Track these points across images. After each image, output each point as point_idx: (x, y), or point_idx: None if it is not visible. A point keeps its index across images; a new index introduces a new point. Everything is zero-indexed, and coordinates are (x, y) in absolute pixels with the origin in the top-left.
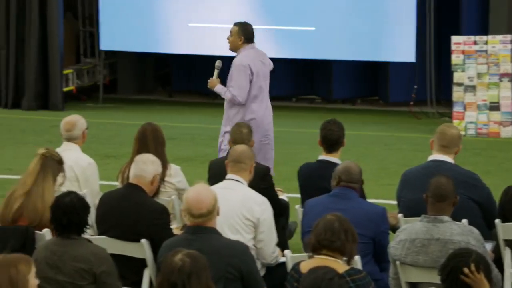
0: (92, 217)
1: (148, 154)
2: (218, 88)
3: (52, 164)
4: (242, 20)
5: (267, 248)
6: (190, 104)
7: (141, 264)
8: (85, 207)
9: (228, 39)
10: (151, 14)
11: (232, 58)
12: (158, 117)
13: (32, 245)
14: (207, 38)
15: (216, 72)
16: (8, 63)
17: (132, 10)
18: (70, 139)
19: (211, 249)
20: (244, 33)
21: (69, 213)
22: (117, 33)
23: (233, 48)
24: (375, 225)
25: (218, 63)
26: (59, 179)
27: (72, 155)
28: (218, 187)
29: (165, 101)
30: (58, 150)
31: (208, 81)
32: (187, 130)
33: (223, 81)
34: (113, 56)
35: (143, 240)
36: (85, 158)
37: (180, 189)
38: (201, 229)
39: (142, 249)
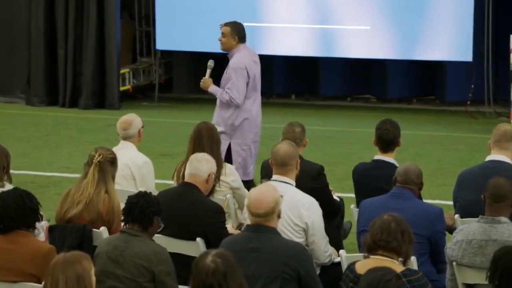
0: None
1: (203, 153)
2: (213, 88)
3: (108, 167)
4: (232, 20)
5: (319, 248)
6: None
7: None
8: (157, 201)
9: (220, 40)
10: (207, 13)
11: (222, 55)
12: (212, 117)
13: (89, 243)
14: (261, 37)
15: (208, 71)
16: (66, 63)
17: (188, 10)
18: (126, 138)
19: (269, 248)
20: (237, 33)
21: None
22: (173, 32)
23: (226, 49)
24: (431, 225)
25: (210, 63)
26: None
27: (128, 154)
28: None
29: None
30: (115, 149)
31: (201, 80)
32: None
33: (216, 81)
34: (169, 55)
35: (198, 239)
36: (141, 157)
37: (235, 188)
38: (261, 228)
39: (197, 247)
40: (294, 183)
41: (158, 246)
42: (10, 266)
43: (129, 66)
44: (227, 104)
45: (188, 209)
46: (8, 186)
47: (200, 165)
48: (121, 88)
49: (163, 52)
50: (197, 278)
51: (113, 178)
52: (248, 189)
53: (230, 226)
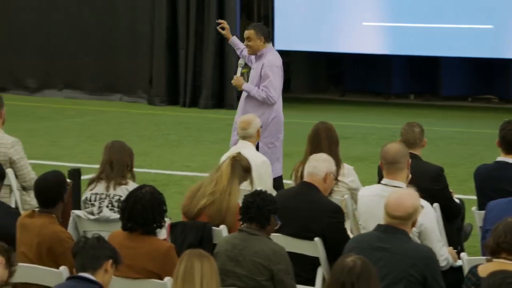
0: None
1: (321, 153)
2: (246, 86)
3: (240, 170)
4: (255, 23)
5: (435, 251)
6: (363, 104)
7: (314, 262)
8: (274, 201)
9: (247, 44)
10: (325, 13)
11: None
12: (331, 116)
13: (210, 240)
14: (381, 37)
15: (239, 70)
16: (186, 63)
17: (307, 10)
18: (245, 137)
19: (397, 249)
20: (263, 34)
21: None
22: (291, 32)
23: (254, 52)
24: None
25: (241, 61)
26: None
27: (247, 153)
28: (375, 194)
29: (337, 101)
30: (234, 148)
31: (234, 78)
32: (360, 130)
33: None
34: (287, 55)
35: (317, 239)
36: (260, 156)
37: (353, 189)
38: (392, 229)
39: (315, 247)
40: (405, 186)
41: (276, 245)
42: (133, 264)
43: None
44: (261, 102)
45: (307, 209)
46: (131, 184)
47: (318, 164)
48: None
49: (281, 52)
50: (333, 275)
51: (241, 182)
52: (275, 187)
53: (348, 227)
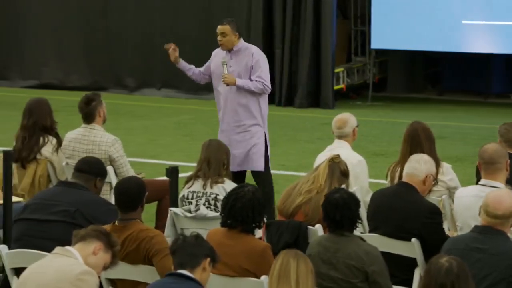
0: (363, 214)
1: (423, 154)
2: (240, 81)
3: (338, 172)
4: (229, 18)
5: None
6: (461, 103)
7: (410, 263)
8: (356, 201)
9: (220, 40)
10: (424, 12)
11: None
12: (428, 116)
13: (305, 240)
14: (481, 35)
15: (225, 67)
16: (282, 62)
17: (404, 9)
18: (341, 137)
19: (496, 250)
20: (237, 29)
21: (341, 208)
22: (388, 31)
23: (228, 47)
24: None
25: (224, 59)
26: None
27: (343, 152)
28: (472, 195)
29: (435, 100)
30: (330, 147)
31: (225, 77)
32: (458, 130)
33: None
34: (384, 54)
35: (414, 239)
36: (356, 156)
37: (451, 188)
38: (489, 229)
39: (412, 248)
40: (504, 187)
41: (369, 246)
42: (229, 262)
43: (344, 66)
44: (258, 94)
45: (403, 209)
46: (228, 182)
47: (418, 165)
48: (335, 87)
49: (378, 51)
50: (429, 276)
51: (339, 185)
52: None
53: (446, 228)
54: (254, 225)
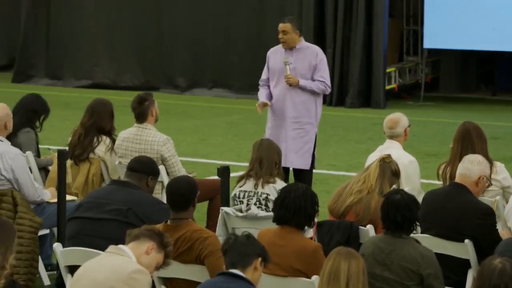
0: None
1: (477, 155)
2: (303, 82)
3: (389, 172)
4: (290, 16)
5: None
6: None
7: (463, 264)
8: (416, 203)
9: (282, 38)
10: (477, 10)
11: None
12: (480, 116)
13: (356, 240)
14: None
15: (287, 67)
16: (334, 62)
17: (457, 7)
18: (392, 137)
19: None
20: (299, 27)
21: (402, 209)
22: (441, 31)
23: (290, 45)
24: None
25: (286, 59)
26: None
27: (394, 153)
28: None
29: (488, 100)
30: (381, 147)
31: (289, 77)
32: (511, 130)
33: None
34: (436, 54)
35: (467, 241)
36: (407, 156)
37: (505, 187)
38: None
39: (465, 249)
40: None
41: (425, 249)
42: (280, 261)
43: (396, 65)
44: (318, 93)
45: (456, 210)
46: (279, 183)
47: (472, 166)
48: (387, 87)
49: (431, 50)
50: (482, 278)
51: (390, 185)
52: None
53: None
54: (306, 218)
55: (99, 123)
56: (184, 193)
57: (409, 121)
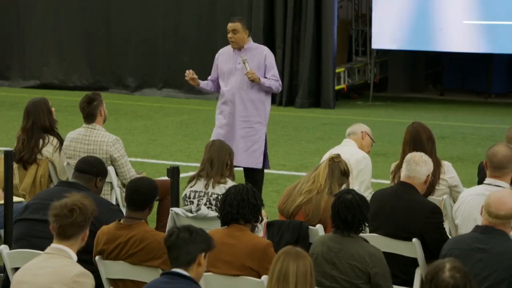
0: None
1: (420, 154)
2: (263, 79)
3: (338, 172)
4: (239, 16)
5: None
6: (462, 103)
7: (411, 263)
8: (367, 204)
9: (231, 37)
10: (424, 12)
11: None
12: (429, 116)
13: (306, 240)
14: (482, 35)
15: (247, 64)
16: (283, 62)
17: (405, 9)
18: (349, 135)
19: (498, 250)
20: (247, 27)
21: (353, 209)
22: (389, 31)
23: (240, 44)
24: None
25: (244, 57)
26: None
27: (349, 149)
28: (477, 194)
29: (436, 100)
30: (337, 146)
31: (250, 73)
32: (459, 129)
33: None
34: (385, 54)
35: (415, 239)
36: (360, 152)
37: (453, 186)
38: (491, 229)
39: (413, 248)
40: (508, 187)
41: (373, 247)
42: (232, 260)
43: (345, 66)
44: (264, 92)
45: (404, 209)
46: (230, 183)
47: (419, 167)
48: (336, 87)
49: (379, 51)
50: None
51: (340, 185)
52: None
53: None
54: (251, 210)
55: (38, 123)
56: (144, 193)
57: (359, 121)
